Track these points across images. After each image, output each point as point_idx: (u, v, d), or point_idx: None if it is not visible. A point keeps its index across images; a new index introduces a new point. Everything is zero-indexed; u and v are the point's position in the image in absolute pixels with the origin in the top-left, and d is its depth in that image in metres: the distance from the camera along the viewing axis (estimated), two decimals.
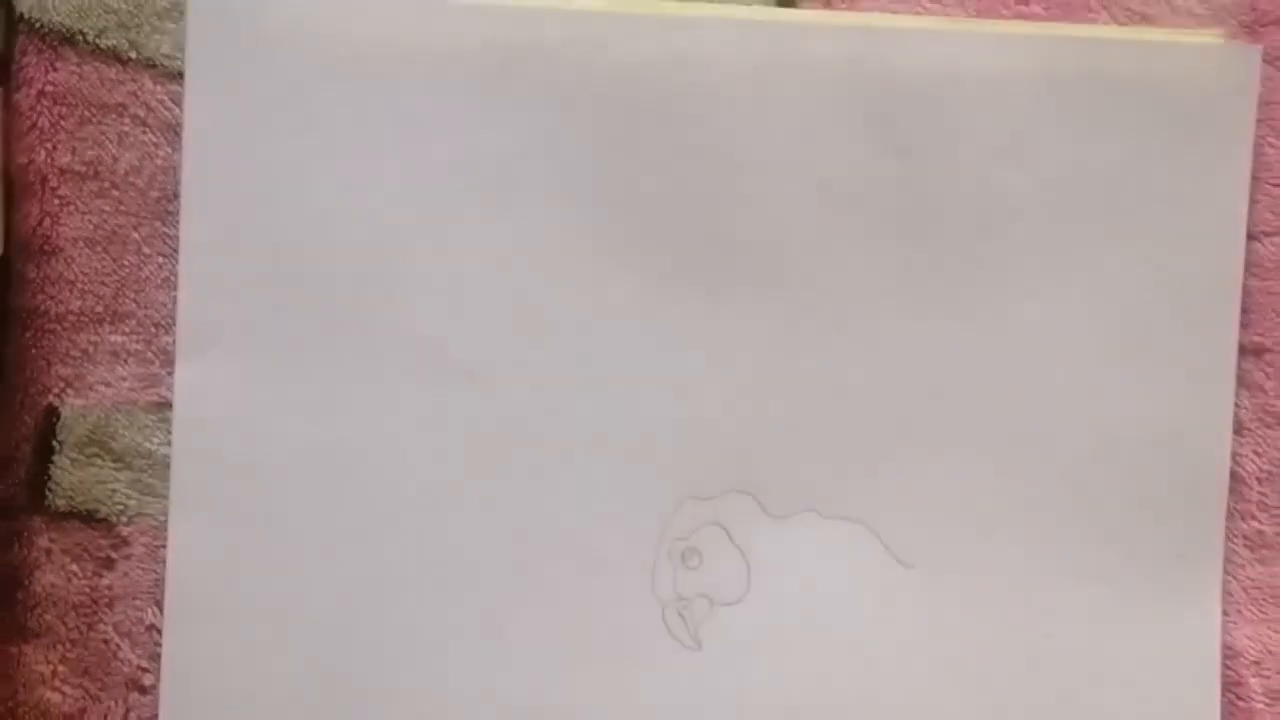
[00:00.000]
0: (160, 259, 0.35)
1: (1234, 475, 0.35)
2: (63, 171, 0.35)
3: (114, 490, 0.35)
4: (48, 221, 0.35)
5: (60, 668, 0.35)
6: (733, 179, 0.34)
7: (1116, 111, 0.34)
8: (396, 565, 0.34)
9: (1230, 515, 0.35)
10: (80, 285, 0.35)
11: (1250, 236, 0.35)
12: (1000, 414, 0.34)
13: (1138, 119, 0.34)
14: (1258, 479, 0.36)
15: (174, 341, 0.35)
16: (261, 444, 0.34)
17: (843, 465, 0.35)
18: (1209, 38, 0.35)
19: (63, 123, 0.35)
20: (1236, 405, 0.35)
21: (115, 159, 0.35)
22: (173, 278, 0.35)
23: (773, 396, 0.34)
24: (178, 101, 0.35)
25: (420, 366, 0.34)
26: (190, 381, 0.34)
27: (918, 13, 0.36)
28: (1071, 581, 0.35)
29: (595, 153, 0.34)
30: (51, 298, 0.35)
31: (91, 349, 0.35)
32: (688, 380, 0.34)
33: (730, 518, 0.35)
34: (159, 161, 0.35)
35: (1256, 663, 0.36)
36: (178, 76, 0.35)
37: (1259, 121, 0.35)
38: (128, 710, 0.35)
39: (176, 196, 0.35)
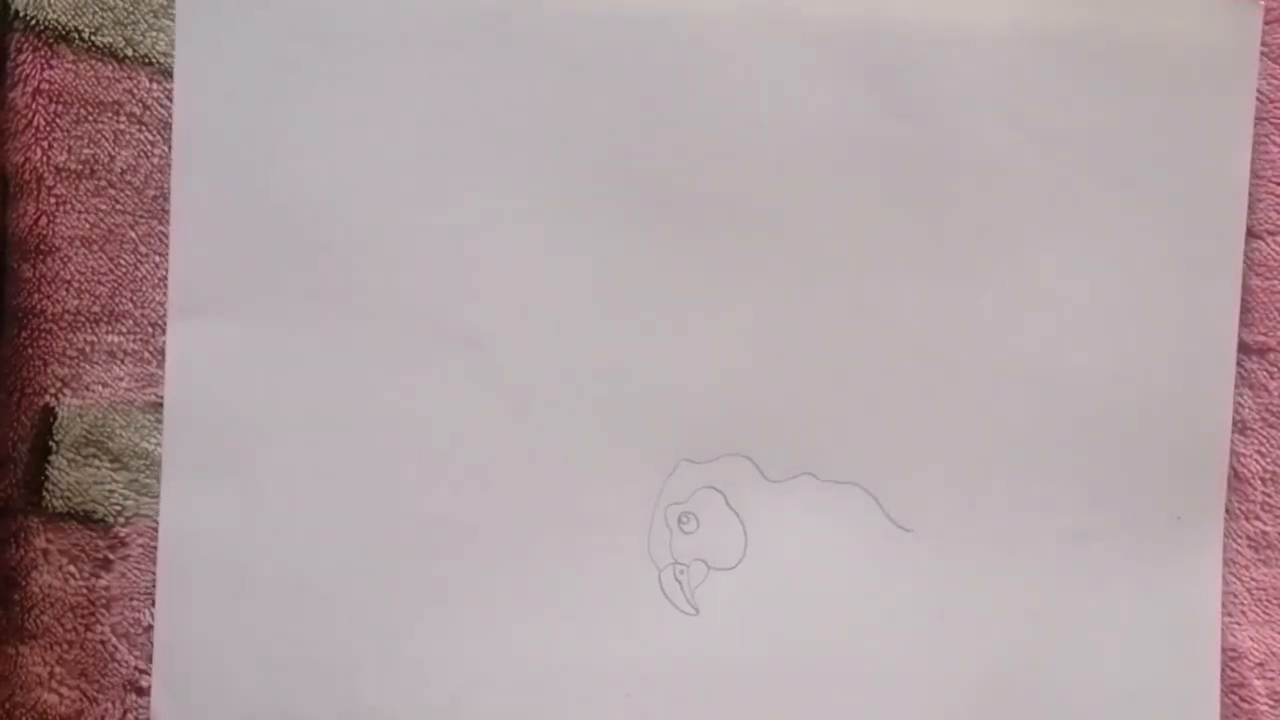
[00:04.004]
0: (157, 258, 0.35)
1: (1238, 475, 0.35)
2: (59, 170, 0.35)
3: (111, 491, 0.35)
4: (44, 220, 0.35)
5: (57, 669, 0.35)
6: (732, 140, 0.34)
7: (1117, 67, 0.34)
8: (392, 529, 0.34)
9: (1234, 516, 0.35)
10: (77, 285, 0.35)
11: (1254, 235, 0.35)
12: (999, 378, 0.34)
13: (1139, 74, 0.34)
14: (1261, 479, 0.35)
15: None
16: (257, 411, 0.34)
17: (840, 429, 0.35)
18: None
19: (59, 121, 0.35)
20: (1240, 405, 0.35)
21: (111, 157, 0.35)
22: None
23: (770, 360, 0.34)
24: (174, 99, 0.35)
25: (419, 332, 0.34)
26: (182, 345, 0.34)
27: None
28: (1070, 545, 0.35)
29: (595, 113, 0.34)
30: (48, 297, 0.35)
31: (88, 349, 0.35)
32: (685, 344, 0.34)
33: (727, 481, 0.35)
34: (155, 160, 0.35)
35: (1260, 665, 0.36)
36: (174, 74, 0.35)
37: (1261, 120, 0.35)
38: (125, 712, 0.35)
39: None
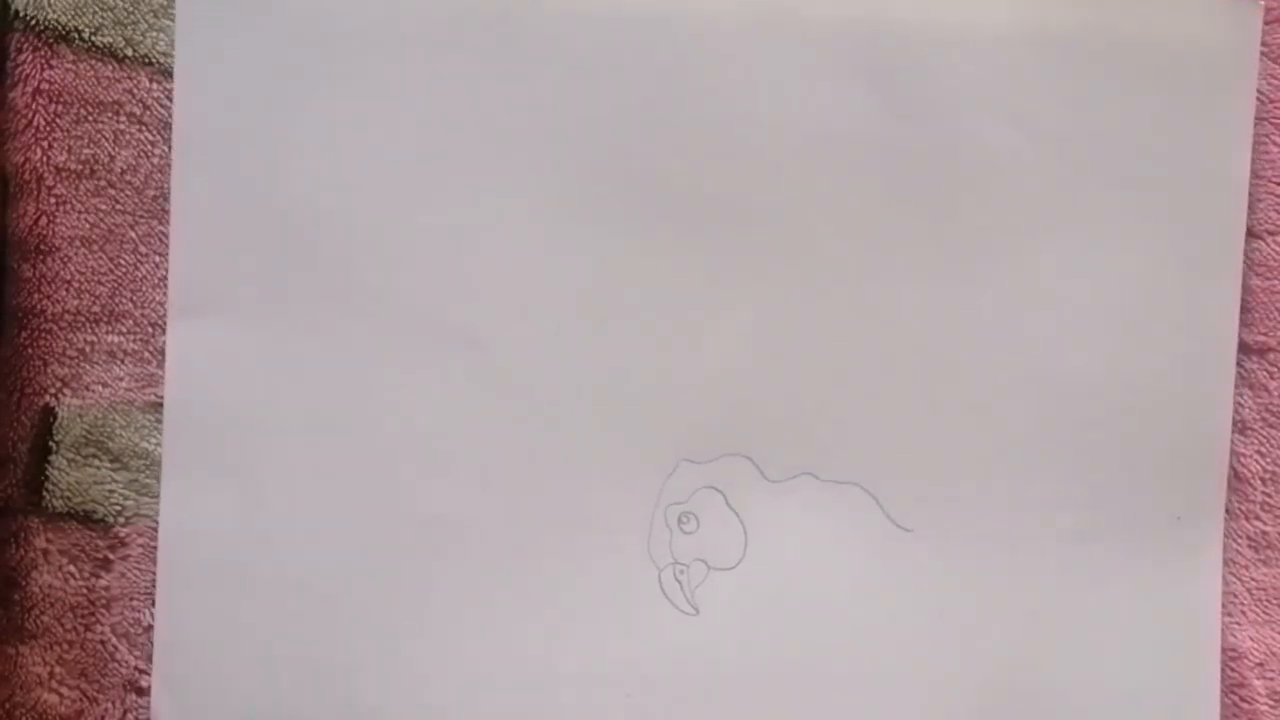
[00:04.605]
0: (157, 258, 0.35)
1: (1238, 476, 0.35)
2: (59, 170, 0.35)
3: (111, 491, 0.35)
4: (44, 220, 0.35)
5: (58, 669, 0.35)
6: (732, 140, 0.34)
7: (1117, 67, 0.34)
8: (392, 529, 0.35)
9: (1234, 516, 0.35)
10: (77, 285, 0.35)
11: (1254, 235, 0.35)
12: (999, 378, 0.34)
13: (1139, 74, 0.34)
14: (1261, 479, 0.35)
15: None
16: (257, 411, 0.35)
17: (840, 428, 0.35)
18: None
19: (59, 121, 0.35)
20: (1240, 405, 0.35)
21: (111, 157, 0.35)
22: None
23: (770, 360, 0.34)
24: (174, 99, 0.35)
25: (419, 332, 0.34)
26: (182, 345, 0.35)
27: None
28: (1070, 545, 0.35)
29: (595, 113, 0.34)
30: (48, 297, 0.35)
31: (88, 349, 0.35)
32: (685, 344, 0.34)
33: (727, 481, 0.35)
34: (155, 160, 0.35)
35: (1260, 665, 0.36)
36: (174, 74, 0.35)
37: (1261, 120, 0.35)
38: (125, 712, 0.35)
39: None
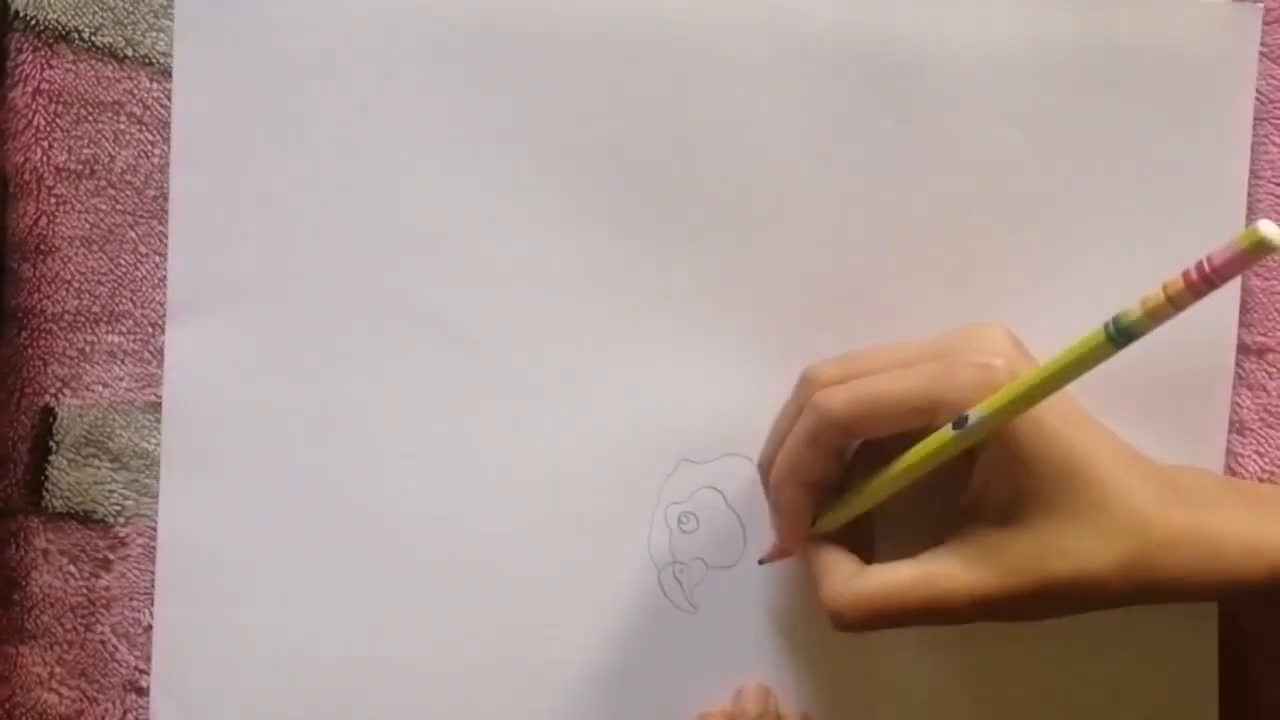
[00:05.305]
0: (157, 258, 0.35)
1: (1236, 475, 0.35)
2: (59, 170, 0.35)
3: (111, 491, 0.35)
4: (44, 220, 0.35)
5: (58, 669, 0.35)
6: (732, 142, 0.34)
7: (1117, 68, 0.34)
8: (391, 529, 0.35)
9: None
10: (77, 285, 0.35)
11: None
12: None
13: (1139, 75, 0.34)
14: (1259, 479, 0.35)
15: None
16: (257, 411, 0.35)
17: None
18: None
19: (59, 121, 0.35)
20: (1239, 406, 0.35)
21: (111, 157, 0.35)
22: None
23: (769, 360, 0.34)
24: (173, 99, 0.35)
25: (418, 332, 0.34)
26: (181, 346, 0.35)
27: None
28: None
29: (594, 114, 0.34)
30: (48, 297, 0.35)
31: (88, 349, 0.35)
32: (685, 343, 0.34)
33: (726, 481, 0.35)
34: (155, 160, 0.35)
35: None
36: (173, 73, 0.35)
37: (1261, 120, 0.35)
38: (125, 711, 0.35)
39: None
